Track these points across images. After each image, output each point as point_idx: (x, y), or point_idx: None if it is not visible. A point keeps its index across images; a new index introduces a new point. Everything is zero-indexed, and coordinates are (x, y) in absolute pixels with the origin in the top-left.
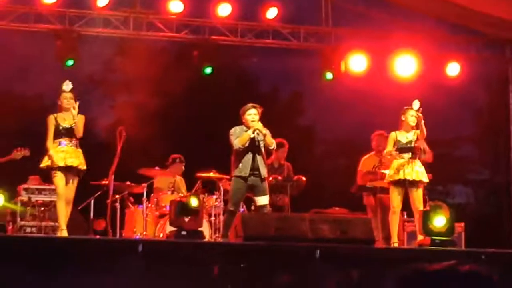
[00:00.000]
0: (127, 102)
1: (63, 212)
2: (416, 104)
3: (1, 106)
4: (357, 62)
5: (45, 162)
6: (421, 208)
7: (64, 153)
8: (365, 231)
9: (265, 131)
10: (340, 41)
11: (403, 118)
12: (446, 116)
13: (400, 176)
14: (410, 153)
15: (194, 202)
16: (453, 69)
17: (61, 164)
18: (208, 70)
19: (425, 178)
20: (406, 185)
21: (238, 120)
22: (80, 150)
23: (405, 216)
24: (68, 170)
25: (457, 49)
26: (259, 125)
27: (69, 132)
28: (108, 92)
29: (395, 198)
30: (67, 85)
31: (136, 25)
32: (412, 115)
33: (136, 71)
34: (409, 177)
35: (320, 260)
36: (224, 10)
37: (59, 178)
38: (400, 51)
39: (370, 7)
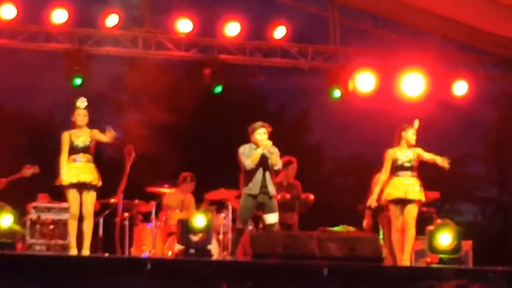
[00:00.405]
0: (136, 120)
1: (74, 231)
2: (416, 123)
3: (11, 123)
4: (364, 81)
5: (59, 180)
6: (413, 224)
7: (77, 170)
8: (373, 249)
9: (273, 149)
10: (347, 59)
11: (403, 136)
12: (454, 135)
13: (398, 194)
14: (410, 172)
15: (200, 222)
16: (460, 87)
17: (74, 180)
18: (219, 89)
19: (423, 197)
20: (405, 202)
21: (246, 138)
22: (93, 165)
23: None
24: (81, 187)
25: (464, 67)
26: (269, 143)
27: (84, 149)
28: (117, 110)
29: (398, 217)
30: (82, 102)
31: (145, 44)
32: (413, 134)
33: (145, 90)
34: (410, 196)
35: (328, 278)
36: (232, 29)
37: (71, 195)
38: (407, 70)
39: (377, 26)
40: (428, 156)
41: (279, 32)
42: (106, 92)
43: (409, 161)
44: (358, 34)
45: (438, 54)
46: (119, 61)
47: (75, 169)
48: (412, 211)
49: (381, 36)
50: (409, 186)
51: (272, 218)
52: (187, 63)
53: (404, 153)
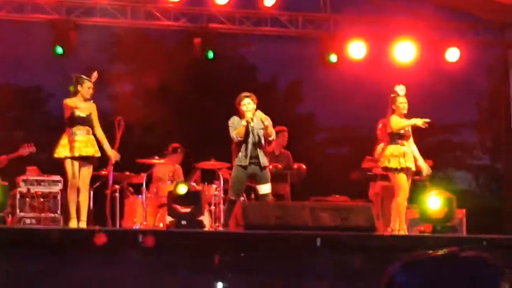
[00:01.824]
0: (126, 91)
1: (75, 201)
2: (403, 89)
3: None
4: (356, 49)
5: (57, 153)
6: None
7: (79, 143)
8: (366, 218)
9: (267, 122)
10: (338, 27)
11: (394, 107)
12: (446, 102)
13: (406, 164)
14: (407, 141)
15: (182, 189)
16: (452, 54)
17: (76, 154)
18: (211, 54)
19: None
20: (409, 173)
21: (236, 109)
22: (93, 137)
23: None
24: (83, 160)
25: (456, 34)
26: (252, 115)
27: (85, 121)
28: (106, 81)
29: (405, 184)
30: (95, 77)
31: (134, 14)
32: (402, 102)
33: (134, 61)
34: (410, 166)
35: (321, 248)
36: None
37: (71, 167)
38: (399, 37)
39: None
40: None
41: (269, 0)
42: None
43: (407, 130)
44: (349, 2)
45: (430, 21)
46: (107, 31)
47: (76, 142)
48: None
49: (372, 3)
50: (411, 157)
51: (264, 188)
52: (176, 33)
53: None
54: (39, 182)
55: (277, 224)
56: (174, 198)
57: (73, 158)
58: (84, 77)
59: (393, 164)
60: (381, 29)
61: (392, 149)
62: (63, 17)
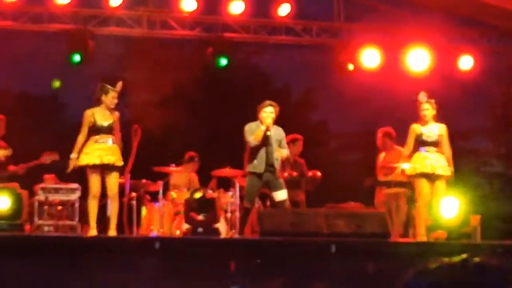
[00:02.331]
0: (142, 100)
1: (95, 211)
2: (422, 96)
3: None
4: (369, 57)
5: (80, 160)
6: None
7: (101, 151)
8: (381, 225)
9: (285, 153)
10: (352, 36)
11: (419, 114)
12: (459, 109)
13: (424, 169)
14: (435, 148)
15: (197, 194)
16: (466, 62)
17: (98, 162)
18: (224, 61)
19: (447, 171)
20: (432, 178)
21: (251, 117)
22: (116, 146)
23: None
24: (104, 168)
25: (469, 42)
26: (270, 122)
27: (108, 129)
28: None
29: (425, 190)
30: (119, 86)
31: (150, 23)
32: (423, 109)
33: (150, 69)
34: (432, 171)
35: (335, 254)
36: (236, 7)
37: (93, 177)
38: (412, 45)
39: (381, 1)
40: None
41: (284, 9)
42: (110, 72)
43: (433, 136)
44: (362, 10)
45: (443, 29)
46: (123, 41)
47: (99, 151)
48: (442, 187)
49: (385, 12)
50: (434, 162)
51: (281, 195)
52: (192, 43)
53: (428, 128)
54: (57, 190)
55: (292, 231)
56: (190, 205)
57: (94, 166)
58: (109, 86)
59: (410, 170)
60: (394, 37)
61: (414, 156)
62: (79, 26)
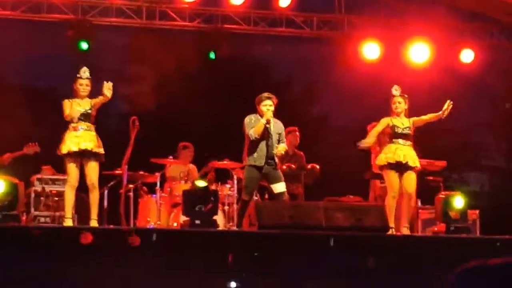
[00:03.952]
0: (140, 91)
1: (71, 201)
2: (397, 90)
3: (13, 96)
4: (370, 50)
5: (60, 149)
6: (413, 192)
7: (77, 138)
8: (380, 218)
9: (283, 148)
10: (353, 28)
11: (392, 107)
12: (461, 103)
13: (397, 158)
14: (407, 140)
15: (201, 183)
16: (467, 56)
17: (75, 148)
18: (212, 55)
19: (418, 163)
20: (401, 168)
21: (251, 109)
22: (95, 133)
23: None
24: (82, 155)
25: (471, 36)
26: (271, 114)
27: (84, 117)
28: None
29: (395, 182)
30: (84, 72)
31: (149, 14)
32: (395, 102)
33: (149, 60)
34: (405, 161)
35: (334, 248)
36: None
37: (71, 165)
38: (413, 38)
39: None
40: (424, 117)
41: (284, 1)
42: (109, 63)
43: (406, 129)
44: (363, 2)
45: (445, 23)
46: (122, 31)
47: (75, 138)
48: (413, 178)
49: (387, 5)
50: (406, 153)
51: (280, 187)
52: (191, 34)
53: (400, 121)
54: (53, 181)
55: (291, 224)
56: (190, 196)
57: (72, 154)
58: (77, 75)
59: (380, 161)
60: (395, 30)
61: (386, 147)
62: (78, 17)
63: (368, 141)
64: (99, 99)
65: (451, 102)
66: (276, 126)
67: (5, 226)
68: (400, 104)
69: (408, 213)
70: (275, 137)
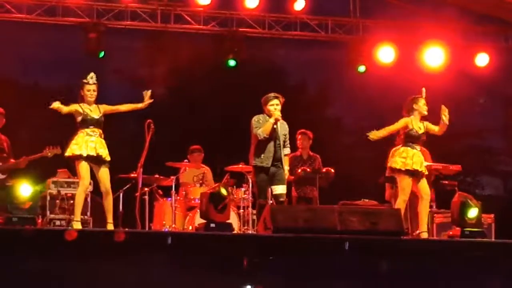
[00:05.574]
0: (155, 94)
1: (81, 204)
2: (424, 92)
3: (28, 98)
4: (385, 53)
5: (70, 151)
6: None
7: (94, 143)
8: (395, 222)
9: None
10: (367, 32)
11: (415, 107)
12: (474, 107)
13: (415, 167)
14: (421, 145)
15: (224, 191)
16: (482, 59)
17: (92, 153)
18: (232, 63)
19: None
20: (417, 176)
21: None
22: (104, 141)
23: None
24: (96, 161)
25: (485, 39)
26: (279, 114)
27: (98, 124)
28: (135, 84)
29: (408, 186)
30: (92, 78)
31: (164, 17)
32: (424, 104)
33: (164, 64)
34: (421, 169)
35: (349, 252)
36: (251, 2)
37: (85, 168)
38: (428, 42)
39: None
40: (435, 129)
41: (299, 4)
42: (124, 66)
43: (422, 133)
44: (378, 7)
45: (459, 26)
46: (137, 35)
47: (92, 143)
48: (426, 182)
49: (401, 8)
50: (422, 160)
51: (280, 188)
52: (206, 37)
53: (418, 125)
54: (69, 184)
55: (306, 228)
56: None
57: (86, 158)
58: (84, 80)
59: (398, 164)
60: (410, 34)
61: (403, 150)
62: (94, 20)
63: (379, 134)
64: (135, 106)
65: (445, 108)
66: (282, 127)
67: (23, 229)
68: (425, 106)
69: (426, 217)
70: (282, 138)
